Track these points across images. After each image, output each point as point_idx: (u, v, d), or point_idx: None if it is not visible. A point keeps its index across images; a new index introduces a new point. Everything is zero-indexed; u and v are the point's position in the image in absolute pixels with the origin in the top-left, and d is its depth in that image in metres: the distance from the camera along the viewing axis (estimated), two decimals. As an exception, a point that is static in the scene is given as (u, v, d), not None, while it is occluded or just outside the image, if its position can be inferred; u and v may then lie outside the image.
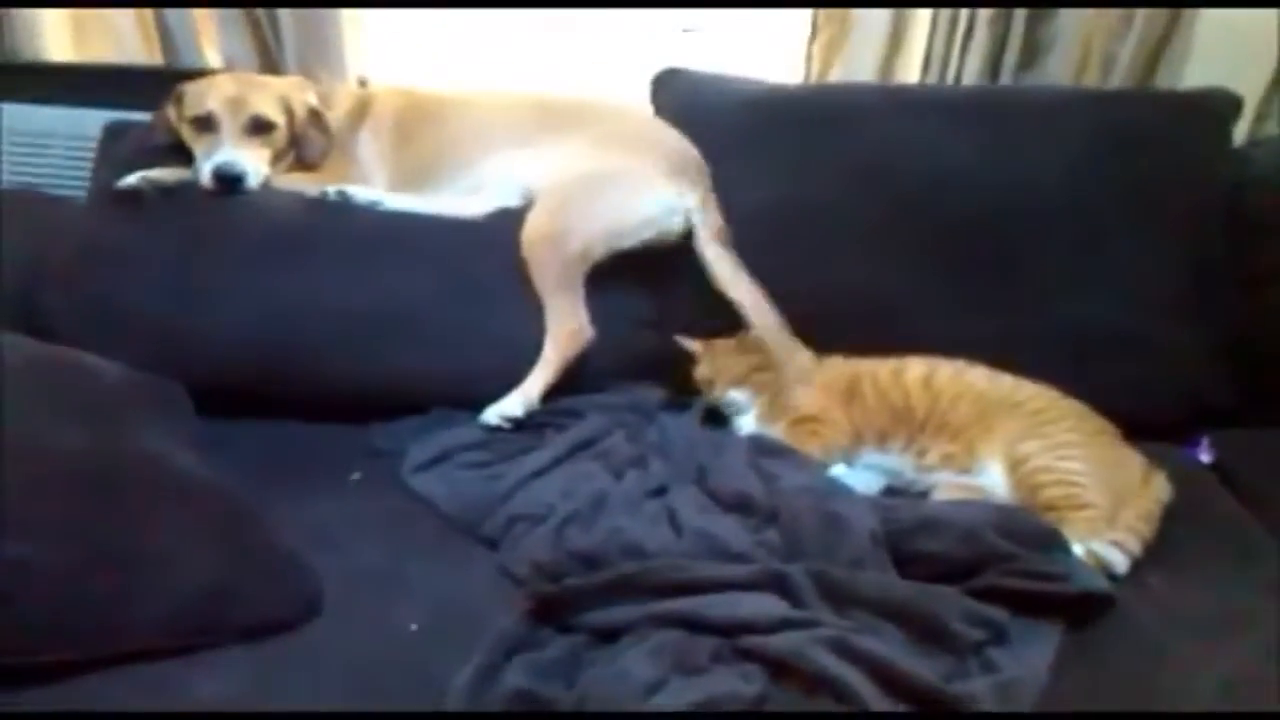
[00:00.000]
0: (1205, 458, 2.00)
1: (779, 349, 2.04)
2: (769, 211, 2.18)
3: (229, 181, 2.08)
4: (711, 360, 2.05)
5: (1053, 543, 1.58)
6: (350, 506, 1.76)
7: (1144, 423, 1.88)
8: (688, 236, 2.15)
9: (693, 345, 2.07)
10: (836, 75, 2.66)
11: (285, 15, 2.56)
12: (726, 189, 2.21)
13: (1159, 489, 1.74)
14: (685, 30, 2.67)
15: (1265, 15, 2.45)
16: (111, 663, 1.35)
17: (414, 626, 1.47)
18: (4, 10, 2.49)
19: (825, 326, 2.09)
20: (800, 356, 2.04)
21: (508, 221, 2.12)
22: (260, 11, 2.58)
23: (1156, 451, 1.84)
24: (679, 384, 2.10)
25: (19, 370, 1.55)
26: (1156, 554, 1.64)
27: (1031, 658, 1.39)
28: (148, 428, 1.60)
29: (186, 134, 2.15)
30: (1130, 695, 1.38)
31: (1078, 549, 1.58)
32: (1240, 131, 2.34)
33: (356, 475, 1.86)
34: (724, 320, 2.09)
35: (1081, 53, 2.56)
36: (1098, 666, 1.42)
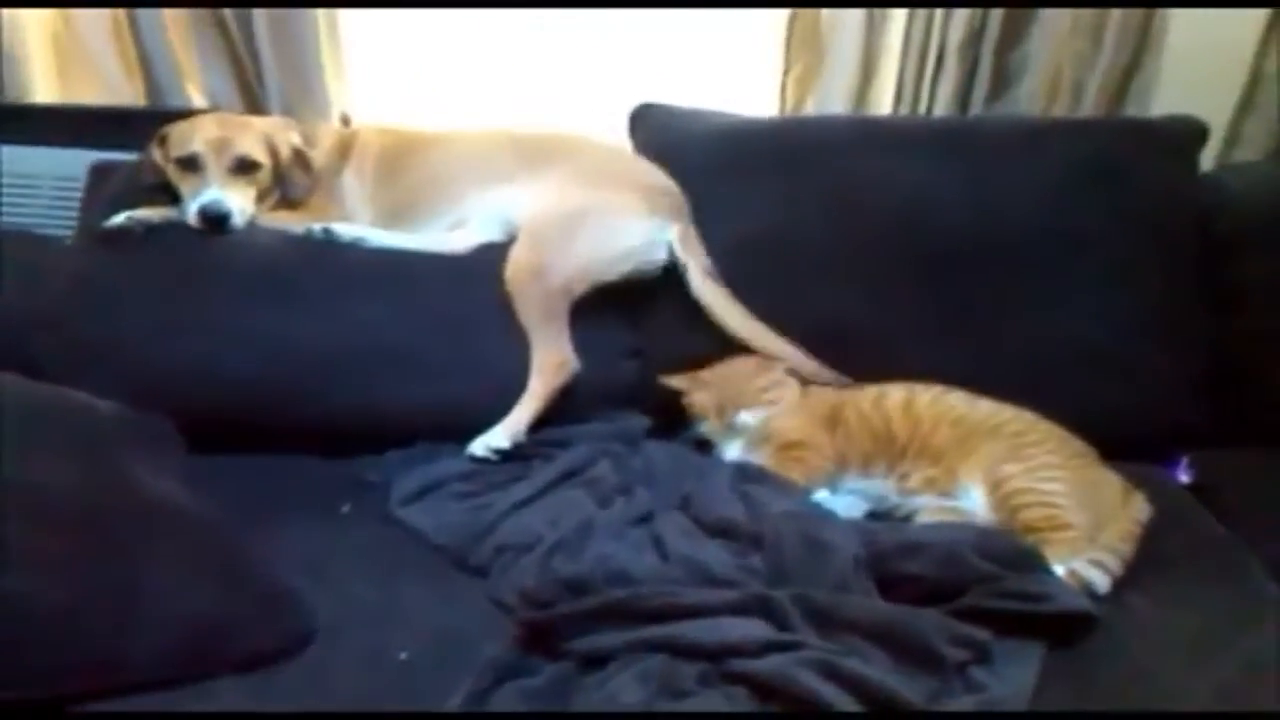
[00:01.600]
0: (1184, 478, 2.02)
1: (812, 372, 2.10)
2: (746, 243, 2.21)
3: (215, 221, 2.09)
4: (714, 387, 2.06)
5: (1034, 563, 1.59)
6: (340, 538, 1.78)
7: (1122, 445, 1.89)
8: (669, 269, 2.17)
9: (679, 382, 2.08)
10: (810, 107, 2.69)
11: (267, 54, 2.58)
12: (703, 221, 2.23)
13: (1138, 509, 1.76)
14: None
15: (1233, 40, 2.50)
16: (104, 697, 1.36)
17: (404, 655, 1.47)
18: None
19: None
20: (784, 390, 2.06)
21: (491, 256, 2.14)
22: (243, 50, 2.60)
23: (1135, 472, 1.86)
24: (663, 412, 2.12)
25: (13, 408, 1.56)
26: (1138, 573, 1.65)
27: (1016, 677, 1.40)
28: (140, 463, 1.61)
29: (172, 174, 2.17)
30: (1113, 712, 1.40)
31: (1059, 569, 1.60)
32: (1211, 157, 2.39)
33: (346, 508, 1.87)
34: (705, 348, 2.11)
35: (1051, 81, 2.60)
36: (1081, 685, 1.43)
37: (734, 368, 2.07)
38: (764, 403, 2.01)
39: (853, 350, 2.14)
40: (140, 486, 1.57)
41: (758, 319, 2.12)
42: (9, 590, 1.31)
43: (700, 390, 2.06)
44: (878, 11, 2.58)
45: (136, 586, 1.42)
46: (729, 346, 2.12)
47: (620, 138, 2.43)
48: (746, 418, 2.01)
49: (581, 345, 2.08)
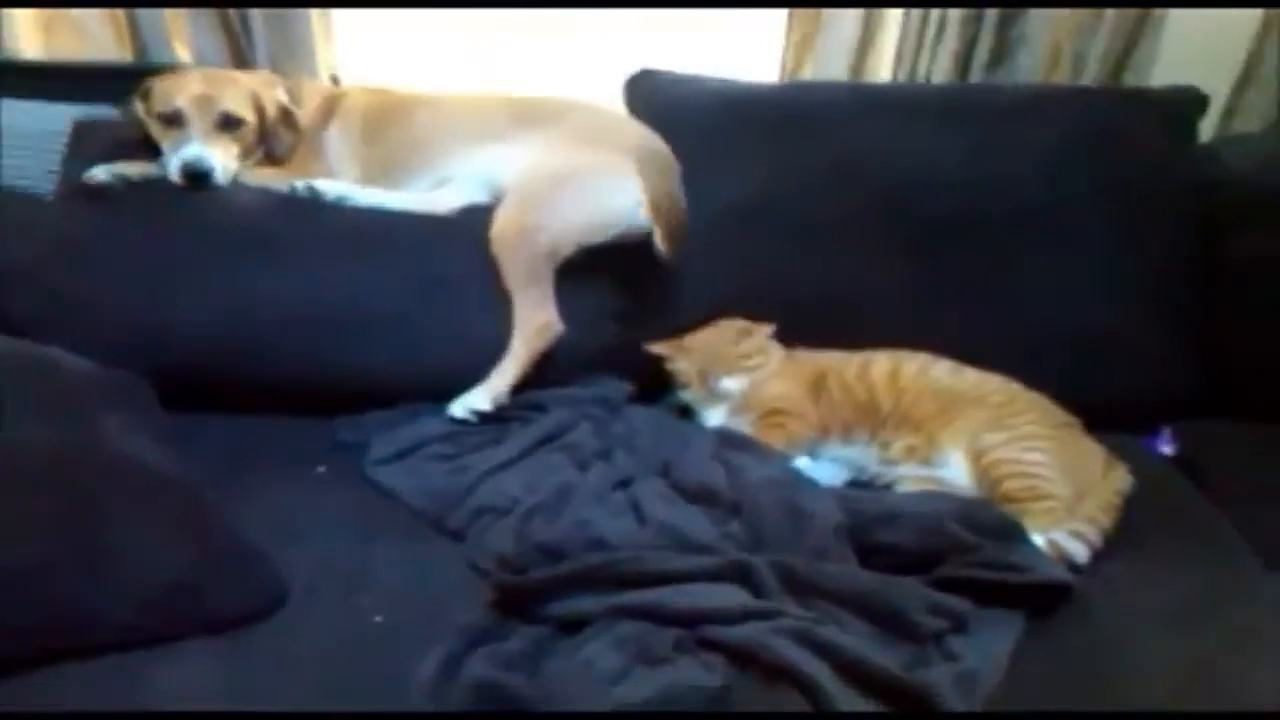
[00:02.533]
0: (1167, 449, 2.01)
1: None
2: (742, 209, 2.19)
3: (197, 177, 2.07)
4: (697, 353, 2.05)
5: (1013, 534, 1.59)
6: (315, 499, 1.76)
7: (1107, 416, 1.89)
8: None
9: (663, 349, 2.07)
10: (809, 74, 2.67)
11: (256, 12, 2.55)
12: (700, 187, 2.21)
13: (1120, 480, 1.75)
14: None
15: (1234, 13, 2.47)
16: (76, 656, 1.35)
17: (379, 618, 1.47)
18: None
19: (795, 322, 2.09)
20: (767, 355, 2.05)
21: (477, 217, 2.11)
22: (232, 10, 2.57)
23: (1118, 443, 1.85)
24: (646, 378, 2.11)
25: (-8, 363, 1.55)
26: (1117, 545, 1.66)
27: (992, 647, 1.41)
28: (112, 422, 1.60)
29: (154, 129, 2.15)
30: (1089, 684, 1.40)
31: (1038, 540, 1.60)
32: (1209, 128, 2.37)
33: (321, 468, 1.86)
34: (689, 313, 2.11)
35: (1051, 51, 2.58)
36: (1057, 656, 1.43)
37: (716, 334, 2.06)
38: (746, 369, 2.01)
39: (843, 318, 2.14)
40: (112, 445, 1.55)
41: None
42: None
43: (683, 356, 2.05)
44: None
45: (107, 546, 1.41)
46: (714, 312, 2.10)
47: (617, 104, 2.41)
48: (729, 384, 2.00)
49: (565, 308, 2.06)
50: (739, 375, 2.00)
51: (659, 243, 2.12)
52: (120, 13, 2.59)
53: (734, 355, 2.01)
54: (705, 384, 2.01)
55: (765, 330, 2.05)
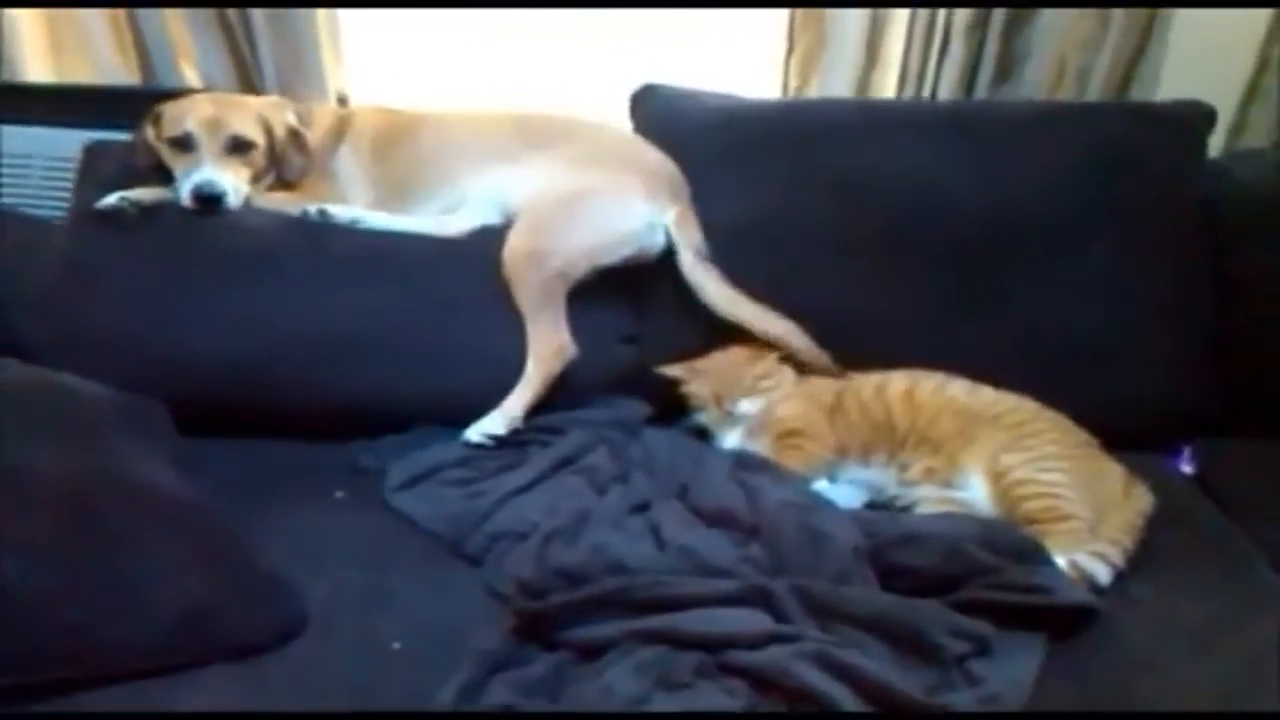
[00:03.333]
0: (1187, 468, 2.00)
1: (808, 352, 2.07)
2: (747, 227, 2.18)
3: (209, 201, 2.07)
4: (711, 376, 2.04)
5: (1035, 555, 1.58)
6: (333, 525, 1.76)
7: (1125, 434, 1.88)
8: (668, 253, 2.14)
9: (676, 371, 2.06)
10: (813, 89, 2.66)
11: (263, 33, 2.55)
12: (705, 204, 2.21)
13: (1141, 500, 1.74)
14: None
15: (1240, 26, 2.47)
16: (94, 684, 1.35)
17: (397, 645, 1.46)
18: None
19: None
20: (780, 377, 2.05)
21: (488, 239, 2.11)
22: (239, 30, 2.57)
23: (1138, 462, 1.84)
24: (661, 400, 2.10)
25: (9, 392, 1.56)
26: (1140, 565, 1.64)
27: (1015, 670, 1.40)
28: (129, 448, 1.60)
29: (165, 154, 2.15)
30: (1113, 705, 1.39)
31: (1060, 561, 1.58)
32: (1217, 144, 2.36)
33: (340, 493, 1.85)
34: (704, 334, 2.10)
35: (1057, 65, 2.58)
36: (1082, 679, 1.42)
37: (728, 357, 2.06)
38: (761, 391, 2.00)
39: (855, 336, 2.12)
40: (130, 471, 1.55)
41: (750, 300, 2.09)
42: (-6, 575, 1.30)
43: (697, 380, 2.04)
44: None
45: (125, 573, 1.41)
46: (727, 332, 2.10)
47: (622, 120, 2.40)
48: (746, 406, 1.99)
49: (579, 330, 2.06)
50: (755, 398, 1.99)
51: (691, 269, 2.11)
52: (128, 35, 2.59)
53: (749, 378, 2.00)
54: (721, 407, 2.00)
55: (774, 355, 2.05)
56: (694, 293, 2.10)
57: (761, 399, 1.99)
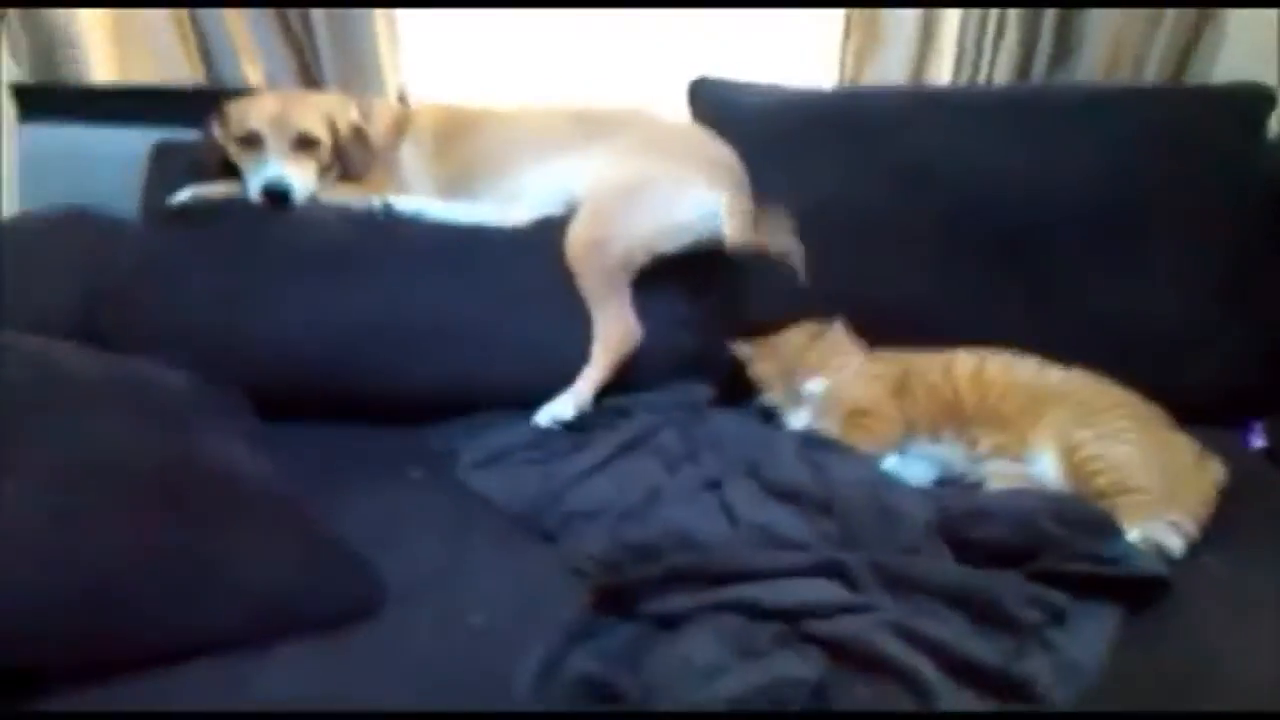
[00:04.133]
0: (1259, 442, 1.99)
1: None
2: (807, 215, 2.17)
3: (277, 196, 2.12)
4: (776, 357, 2.05)
5: (1107, 528, 1.58)
6: (410, 504, 1.78)
7: (1196, 411, 1.87)
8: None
9: (747, 349, 2.08)
10: (869, 77, 2.67)
11: (323, 32, 2.58)
12: (763, 194, 2.21)
13: (1214, 472, 1.74)
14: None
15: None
16: (180, 659, 1.37)
17: (477, 619, 1.48)
18: (49, 34, 2.53)
19: (865, 329, 2.10)
20: (847, 355, 2.05)
21: (551, 229, 2.14)
22: (299, 29, 2.61)
23: (1209, 437, 1.83)
24: (728, 381, 2.12)
25: (85, 381, 1.57)
26: (1213, 537, 1.64)
27: (1091, 638, 1.40)
28: (212, 432, 1.62)
29: (233, 151, 2.19)
30: (1189, 677, 1.39)
31: (1133, 534, 1.59)
32: (1275, 125, 2.35)
33: (416, 473, 1.87)
34: (767, 316, 2.11)
35: (1112, 49, 2.56)
36: (1155, 649, 1.42)
37: (795, 336, 2.07)
38: (830, 369, 2.01)
39: (914, 323, 2.13)
40: (213, 455, 1.57)
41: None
42: (87, 560, 1.33)
43: (764, 360, 2.05)
44: (937, -18, 2.56)
45: (210, 553, 1.43)
46: (782, 317, 2.11)
47: (679, 112, 2.42)
48: (812, 387, 2.00)
49: (644, 314, 2.08)
50: (821, 378, 2.00)
51: (735, 244, 2.12)
52: (191, 34, 2.63)
53: (815, 357, 2.01)
54: (788, 386, 2.02)
55: (836, 328, 2.05)
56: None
57: (829, 378, 2.00)
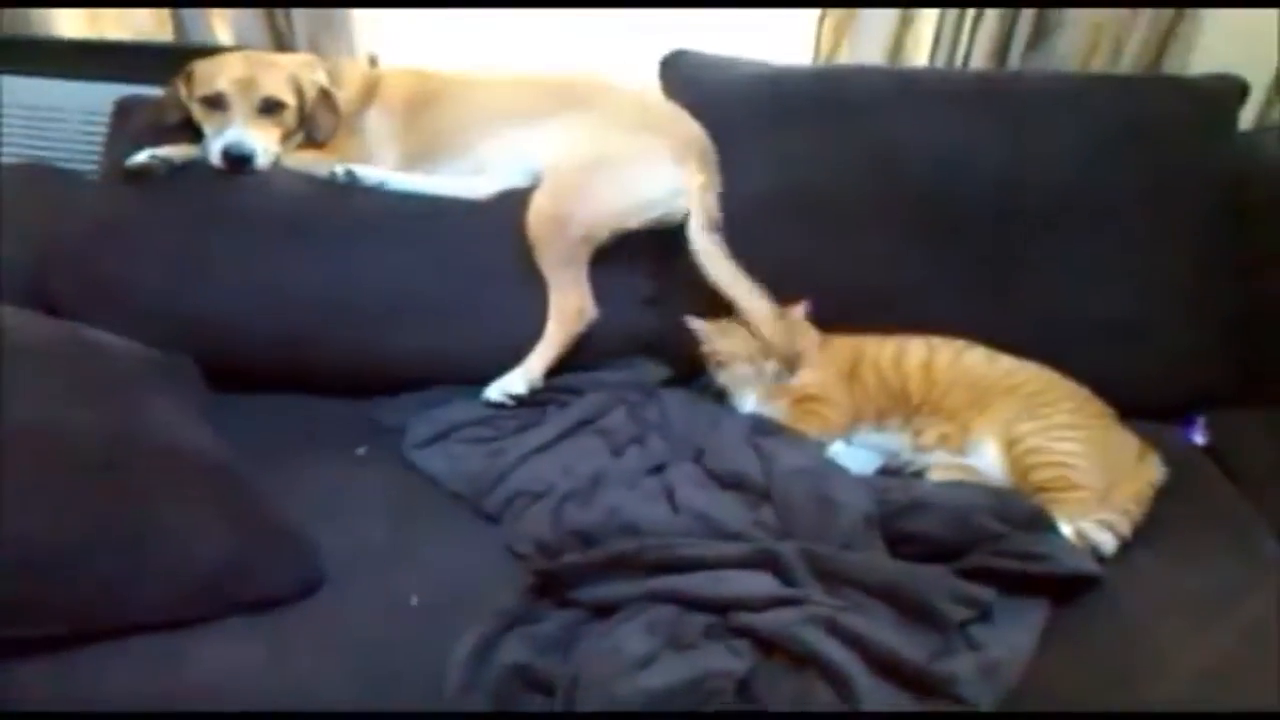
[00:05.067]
0: (1200, 439, 2.01)
1: (776, 337, 2.02)
2: (776, 195, 2.18)
3: (238, 160, 2.09)
4: (723, 338, 2.04)
5: (1042, 524, 1.60)
6: (354, 480, 1.79)
7: (1141, 405, 1.90)
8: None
9: (700, 325, 2.07)
10: (845, 55, 2.65)
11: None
12: (733, 171, 2.20)
13: (1152, 470, 1.76)
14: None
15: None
16: (118, 635, 1.39)
17: (415, 600, 1.50)
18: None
19: (830, 310, 2.09)
20: (804, 340, 2.04)
21: (513, 201, 2.12)
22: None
23: (1151, 432, 1.85)
24: (680, 361, 2.12)
25: (29, 347, 1.57)
26: (1147, 535, 1.66)
27: (1016, 637, 1.42)
28: (156, 403, 1.62)
29: (197, 112, 2.16)
30: (1111, 674, 1.41)
31: (1066, 530, 1.60)
32: (1248, 117, 2.34)
33: (362, 449, 1.89)
34: (724, 299, 2.10)
35: (1090, 35, 2.56)
36: (1081, 646, 1.44)
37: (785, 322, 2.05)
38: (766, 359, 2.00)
39: (877, 304, 2.13)
40: (156, 427, 1.58)
41: (747, 279, 2.06)
42: (22, 530, 1.34)
43: (716, 338, 2.04)
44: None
45: (148, 527, 1.44)
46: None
47: (651, 84, 2.40)
48: (746, 371, 2.01)
49: (599, 292, 2.07)
50: (759, 365, 2.00)
51: (695, 235, 2.11)
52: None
53: (758, 344, 2.01)
54: (723, 368, 2.03)
55: (798, 311, 2.05)
56: (691, 258, 2.09)
57: (762, 366, 2.00)
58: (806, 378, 1.99)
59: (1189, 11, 2.49)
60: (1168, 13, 2.48)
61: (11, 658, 1.35)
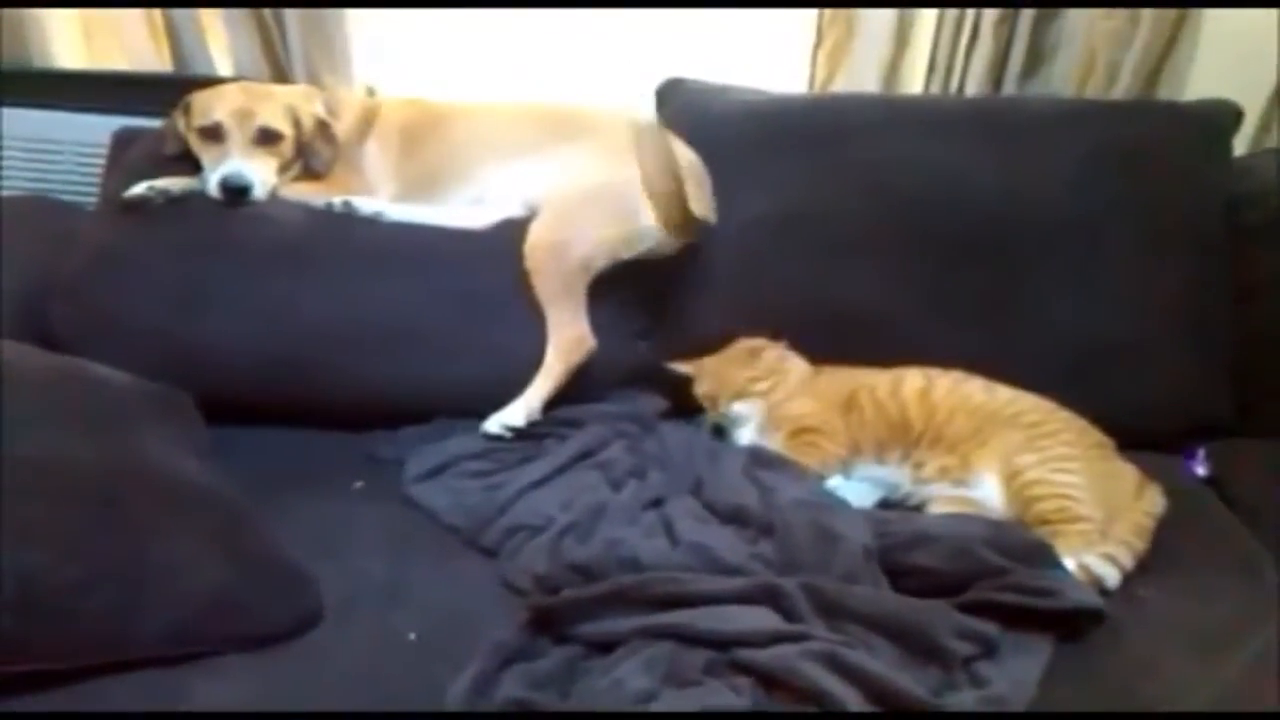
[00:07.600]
0: (1201, 470, 2.00)
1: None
2: (771, 222, 2.19)
3: (236, 192, 2.10)
4: (709, 377, 2.06)
5: (1044, 557, 1.59)
6: (352, 515, 1.78)
7: (1141, 436, 1.90)
8: (689, 248, 2.15)
9: (685, 368, 2.08)
10: (840, 82, 2.66)
11: (293, 22, 2.57)
12: (728, 197, 2.21)
13: (1153, 502, 1.75)
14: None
15: (1270, 24, 2.45)
16: (113, 670, 1.38)
17: (412, 635, 1.49)
18: (14, 16, 2.51)
19: (825, 338, 2.10)
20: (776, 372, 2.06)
21: (511, 232, 2.13)
22: (269, 17, 2.59)
23: (1152, 463, 1.85)
24: (678, 394, 2.12)
25: (26, 381, 1.56)
26: (1149, 568, 1.65)
27: (1020, 672, 1.41)
28: (155, 437, 1.62)
29: (194, 143, 2.17)
30: (1118, 709, 1.40)
31: (1069, 563, 1.59)
32: (1242, 142, 2.35)
33: (359, 484, 1.88)
34: (722, 329, 2.11)
35: (1086, 60, 2.57)
36: (1086, 681, 1.43)
37: (727, 357, 2.08)
38: (754, 394, 2.02)
39: (872, 332, 2.14)
40: (154, 461, 1.57)
41: None
42: (20, 564, 1.32)
43: (703, 378, 2.07)
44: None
45: (147, 562, 1.43)
46: (742, 326, 2.11)
47: (648, 113, 2.40)
48: (740, 409, 2.03)
49: (598, 324, 2.07)
50: (748, 400, 2.02)
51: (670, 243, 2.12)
52: (159, 21, 2.61)
53: (741, 380, 2.03)
54: (717, 408, 2.04)
55: (776, 350, 2.06)
56: None
57: (755, 401, 2.02)
58: (804, 409, 1.98)
59: (1184, 34, 2.49)
60: (1162, 34, 2.49)
61: (7, 694, 1.33)
